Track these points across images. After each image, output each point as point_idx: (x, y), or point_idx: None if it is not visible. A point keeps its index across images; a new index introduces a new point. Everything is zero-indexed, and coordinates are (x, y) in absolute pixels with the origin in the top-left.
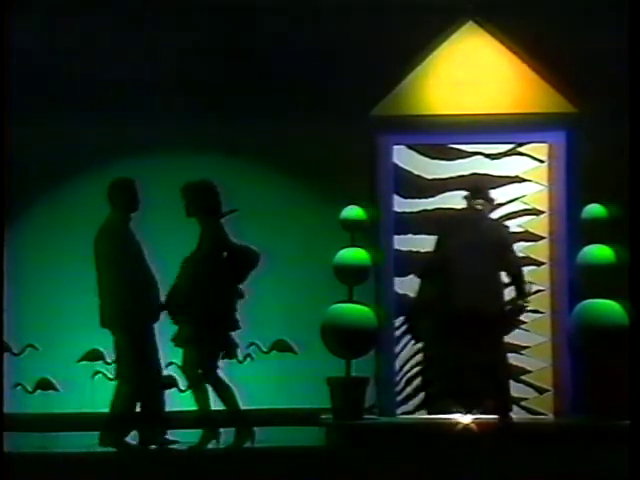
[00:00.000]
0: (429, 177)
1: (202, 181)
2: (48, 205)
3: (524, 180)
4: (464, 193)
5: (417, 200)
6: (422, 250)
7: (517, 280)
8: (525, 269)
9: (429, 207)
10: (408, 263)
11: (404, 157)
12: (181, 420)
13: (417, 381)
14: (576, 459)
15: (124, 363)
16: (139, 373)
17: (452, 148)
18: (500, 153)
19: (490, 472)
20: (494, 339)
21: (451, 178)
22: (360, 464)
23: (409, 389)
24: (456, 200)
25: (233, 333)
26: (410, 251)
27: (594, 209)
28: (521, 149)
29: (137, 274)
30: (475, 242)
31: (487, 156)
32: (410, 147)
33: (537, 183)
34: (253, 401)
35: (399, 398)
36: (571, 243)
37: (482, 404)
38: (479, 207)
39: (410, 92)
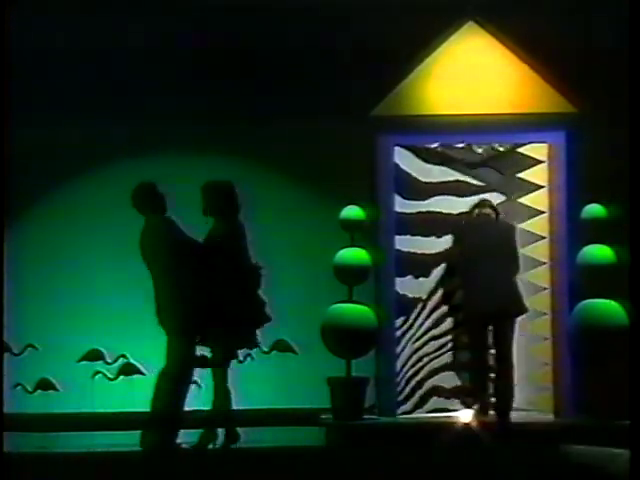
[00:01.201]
0: (424, 180)
1: (223, 181)
2: (48, 205)
3: (524, 181)
4: (465, 200)
5: (415, 202)
6: (419, 252)
7: None
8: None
9: (423, 209)
10: (408, 263)
11: (404, 158)
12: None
13: (416, 380)
14: (576, 459)
15: (172, 362)
16: (187, 373)
17: (445, 153)
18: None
19: (490, 472)
20: (508, 337)
21: (442, 182)
22: (360, 464)
23: (409, 389)
24: (446, 204)
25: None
26: (409, 252)
27: (594, 209)
28: (520, 149)
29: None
30: (490, 244)
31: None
32: (408, 149)
33: (537, 183)
34: (253, 401)
35: (399, 398)
36: (571, 243)
37: (489, 403)
38: (487, 213)
39: (410, 92)
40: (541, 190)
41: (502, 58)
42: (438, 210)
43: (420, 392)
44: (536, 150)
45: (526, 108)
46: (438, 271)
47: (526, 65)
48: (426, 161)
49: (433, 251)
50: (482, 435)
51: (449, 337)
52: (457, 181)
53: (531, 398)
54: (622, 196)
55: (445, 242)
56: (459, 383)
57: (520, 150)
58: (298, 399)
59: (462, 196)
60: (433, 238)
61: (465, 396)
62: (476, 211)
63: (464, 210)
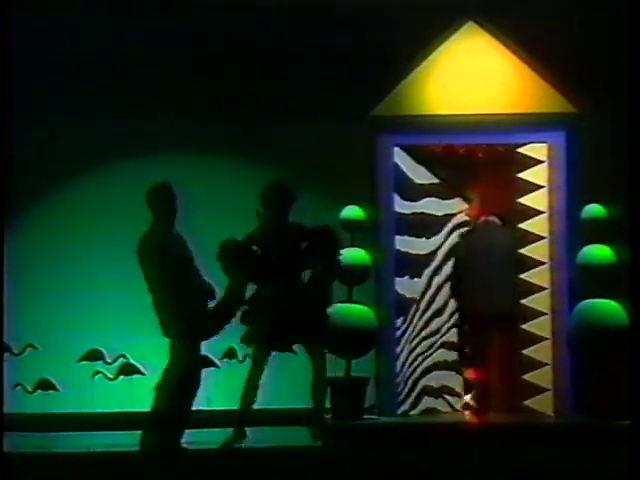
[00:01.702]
0: (418, 181)
1: (274, 183)
2: (48, 205)
3: (525, 181)
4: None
5: (410, 202)
6: (413, 252)
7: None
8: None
9: (417, 210)
10: (406, 263)
11: (400, 159)
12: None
13: (413, 380)
14: (576, 459)
15: (175, 365)
16: (191, 375)
17: (433, 154)
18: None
19: (490, 472)
20: (509, 339)
21: (432, 184)
22: (360, 464)
23: (407, 389)
24: (434, 206)
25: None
26: (407, 252)
27: (594, 209)
28: (520, 149)
29: (186, 282)
30: (494, 250)
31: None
32: (405, 150)
33: (537, 183)
34: None
35: (399, 398)
36: (571, 243)
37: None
38: (491, 219)
39: (410, 92)
40: (541, 190)
41: (502, 58)
42: (428, 212)
43: (417, 392)
44: (536, 150)
45: (526, 108)
46: (429, 272)
47: (526, 65)
48: (418, 162)
49: (425, 252)
50: (481, 435)
51: (438, 337)
52: (440, 183)
53: (531, 398)
54: (622, 196)
55: (434, 243)
56: (460, 383)
57: (520, 150)
58: (298, 399)
59: (445, 198)
60: (424, 239)
61: (473, 396)
62: (482, 218)
63: (448, 212)
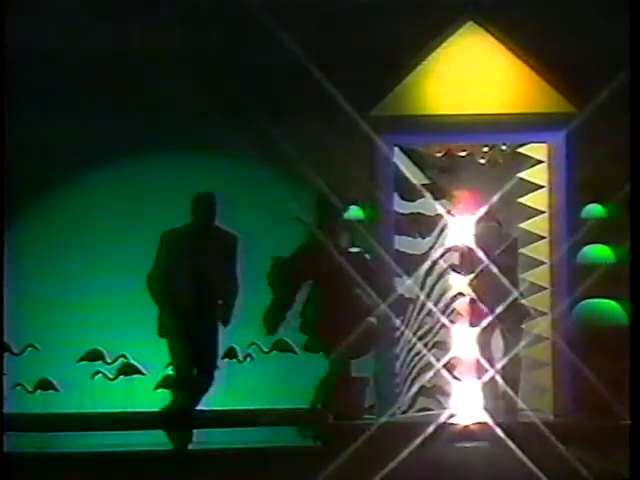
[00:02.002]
0: (415, 181)
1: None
2: (48, 204)
3: (524, 181)
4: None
5: (408, 202)
6: (410, 252)
7: None
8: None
9: (414, 210)
10: (405, 263)
11: (401, 159)
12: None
13: (411, 380)
14: (576, 459)
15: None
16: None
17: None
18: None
19: (490, 472)
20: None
21: (428, 184)
22: (360, 464)
23: (406, 389)
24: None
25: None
26: (406, 252)
27: (594, 209)
28: (520, 149)
29: (180, 283)
30: (492, 249)
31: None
32: (402, 149)
33: (537, 183)
34: (253, 401)
35: (398, 398)
36: (571, 243)
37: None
38: (493, 225)
39: (410, 92)
40: (541, 190)
41: (502, 58)
42: (424, 212)
43: (414, 392)
44: (536, 150)
45: (526, 108)
46: (423, 272)
47: (526, 65)
48: (415, 161)
49: (421, 252)
50: (480, 435)
51: (431, 336)
52: (436, 183)
53: (531, 398)
54: (622, 196)
55: (428, 243)
56: (455, 383)
57: (520, 150)
58: (298, 399)
59: (440, 198)
60: (420, 239)
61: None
62: (482, 223)
63: (443, 212)
